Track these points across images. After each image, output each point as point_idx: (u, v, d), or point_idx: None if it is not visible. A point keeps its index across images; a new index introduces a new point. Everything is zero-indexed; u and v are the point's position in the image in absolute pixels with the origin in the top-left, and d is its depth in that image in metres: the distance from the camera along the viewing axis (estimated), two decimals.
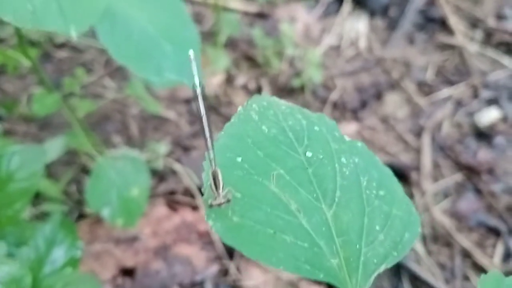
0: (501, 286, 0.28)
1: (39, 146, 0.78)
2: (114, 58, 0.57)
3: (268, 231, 0.28)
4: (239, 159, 0.31)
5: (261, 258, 0.27)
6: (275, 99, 0.36)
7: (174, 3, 0.68)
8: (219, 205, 0.29)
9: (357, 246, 0.30)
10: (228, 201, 0.29)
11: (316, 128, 0.34)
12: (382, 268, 0.30)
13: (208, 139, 0.30)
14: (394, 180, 0.35)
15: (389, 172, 0.35)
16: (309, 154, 0.33)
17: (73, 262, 0.69)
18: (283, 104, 0.35)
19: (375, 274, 0.29)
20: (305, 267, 0.28)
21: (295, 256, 0.28)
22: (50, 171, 0.95)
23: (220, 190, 0.30)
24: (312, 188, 0.31)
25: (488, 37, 1.25)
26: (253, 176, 0.30)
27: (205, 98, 0.29)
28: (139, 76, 0.79)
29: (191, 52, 0.30)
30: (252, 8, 1.30)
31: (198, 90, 0.28)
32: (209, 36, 1.19)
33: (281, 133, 0.33)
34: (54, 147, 0.86)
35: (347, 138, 0.35)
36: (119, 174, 0.81)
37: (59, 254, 0.69)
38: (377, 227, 0.31)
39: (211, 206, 0.29)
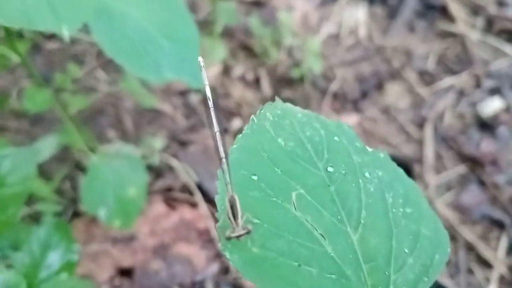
0: None
1: (31, 147, 0.75)
2: (109, 56, 0.54)
3: (291, 263, 0.25)
4: (254, 177, 0.28)
5: None
6: (290, 106, 0.33)
7: None
8: (238, 237, 0.26)
9: (386, 272, 0.27)
10: (248, 232, 0.26)
11: (335, 138, 0.31)
12: None
13: (223, 160, 0.26)
14: (420, 193, 0.32)
15: (414, 185, 0.32)
16: (330, 169, 0.30)
17: (69, 267, 0.66)
18: (299, 111, 0.32)
19: None
20: None
21: None
22: (43, 168, 0.91)
23: (239, 220, 0.26)
24: (335, 209, 0.28)
25: (490, 25, 1.22)
26: (271, 198, 0.27)
27: (218, 111, 0.25)
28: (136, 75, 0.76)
29: (200, 59, 0.26)
30: None
31: (211, 104, 0.25)
32: (204, 26, 1.15)
33: (299, 146, 0.30)
34: (46, 146, 0.83)
35: (369, 149, 0.32)
36: (115, 173, 0.78)
37: (54, 258, 0.67)
38: (406, 250, 0.28)
39: (229, 238, 0.26)
